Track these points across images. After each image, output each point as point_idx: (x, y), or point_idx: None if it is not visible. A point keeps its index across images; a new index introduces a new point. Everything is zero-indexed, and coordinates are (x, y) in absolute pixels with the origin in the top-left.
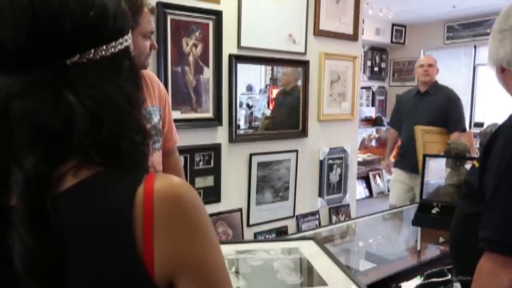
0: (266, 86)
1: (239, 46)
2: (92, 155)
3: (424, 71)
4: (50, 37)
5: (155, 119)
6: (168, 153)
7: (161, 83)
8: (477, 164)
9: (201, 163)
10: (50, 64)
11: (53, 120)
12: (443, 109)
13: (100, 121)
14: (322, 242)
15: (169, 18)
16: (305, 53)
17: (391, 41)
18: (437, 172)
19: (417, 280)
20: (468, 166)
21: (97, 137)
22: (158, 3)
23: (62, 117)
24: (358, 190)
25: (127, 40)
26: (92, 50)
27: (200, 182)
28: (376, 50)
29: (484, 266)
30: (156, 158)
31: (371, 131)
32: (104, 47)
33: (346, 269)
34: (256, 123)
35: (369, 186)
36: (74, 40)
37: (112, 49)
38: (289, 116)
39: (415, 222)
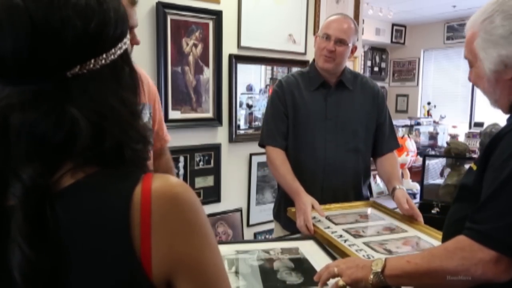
0: (266, 86)
1: (239, 46)
2: (90, 158)
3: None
4: (50, 50)
5: (145, 117)
6: (159, 153)
7: (150, 80)
8: (475, 167)
9: (201, 163)
10: (50, 76)
11: (55, 132)
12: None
13: (103, 134)
14: (322, 242)
15: (169, 18)
16: (305, 53)
17: (391, 41)
18: (437, 172)
19: None
20: (467, 166)
21: (99, 149)
22: (158, 3)
23: (64, 129)
24: None
25: (126, 42)
26: (92, 60)
27: (200, 182)
28: (376, 50)
29: (477, 256)
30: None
31: None
32: (104, 55)
33: None
34: (256, 123)
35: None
36: (75, 52)
37: (112, 56)
38: None
39: None
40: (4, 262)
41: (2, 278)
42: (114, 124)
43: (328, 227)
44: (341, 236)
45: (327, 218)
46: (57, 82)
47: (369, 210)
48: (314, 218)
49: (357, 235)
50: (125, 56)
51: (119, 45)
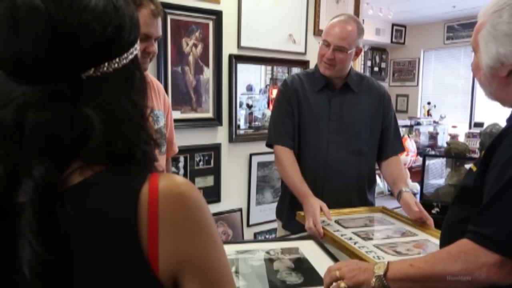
0: (266, 86)
1: (239, 46)
2: (99, 157)
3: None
4: (68, 53)
5: (161, 123)
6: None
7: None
8: (474, 168)
9: (201, 163)
10: (65, 77)
11: (69, 132)
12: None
13: (115, 135)
14: (331, 244)
15: (169, 18)
16: (305, 53)
17: (391, 41)
18: (437, 172)
19: None
20: (467, 166)
21: (111, 149)
22: None
23: (78, 129)
24: None
25: (136, 48)
26: (106, 64)
27: (200, 182)
28: (376, 50)
29: (481, 260)
30: (161, 161)
31: None
32: (117, 59)
33: None
34: (256, 123)
35: None
36: (91, 55)
37: (124, 61)
38: None
39: None
40: (14, 258)
41: (11, 274)
42: (126, 126)
43: (338, 230)
44: (350, 238)
45: (336, 221)
46: (72, 83)
47: (379, 215)
48: (323, 222)
49: (367, 238)
50: (136, 61)
51: (131, 50)
